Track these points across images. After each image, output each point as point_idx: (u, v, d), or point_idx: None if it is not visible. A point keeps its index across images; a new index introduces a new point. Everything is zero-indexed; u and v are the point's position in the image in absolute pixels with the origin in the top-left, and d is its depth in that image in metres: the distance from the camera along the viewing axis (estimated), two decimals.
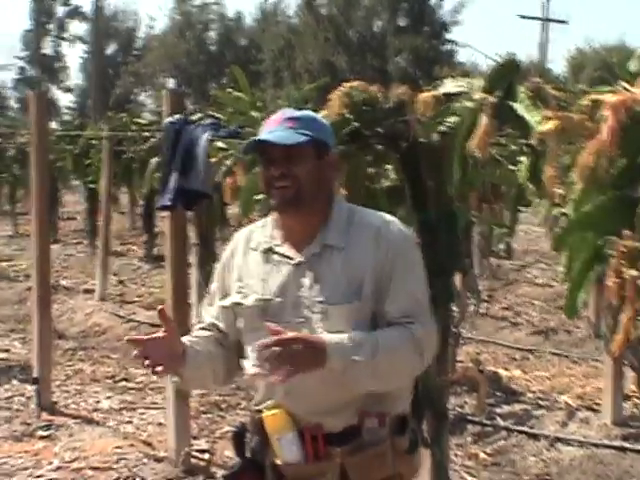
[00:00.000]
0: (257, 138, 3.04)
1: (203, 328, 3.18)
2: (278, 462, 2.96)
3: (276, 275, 3.00)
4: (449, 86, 3.99)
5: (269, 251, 3.05)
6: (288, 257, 3.00)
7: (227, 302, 3.13)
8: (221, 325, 3.15)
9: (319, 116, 3.25)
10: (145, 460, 5.81)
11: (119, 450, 5.93)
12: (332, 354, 2.76)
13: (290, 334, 2.73)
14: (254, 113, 6.74)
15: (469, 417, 6.92)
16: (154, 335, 2.86)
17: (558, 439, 6.53)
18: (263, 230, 3.12)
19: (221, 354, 3.10)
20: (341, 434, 2.90)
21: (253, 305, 3.01)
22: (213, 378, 3.11)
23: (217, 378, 3.13)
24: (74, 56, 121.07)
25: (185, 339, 3.01)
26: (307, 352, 2.74)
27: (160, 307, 2.93)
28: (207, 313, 3.23)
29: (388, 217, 3.09)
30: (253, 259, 3.08)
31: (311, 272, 2.94)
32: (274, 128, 2.99)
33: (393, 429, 2.97)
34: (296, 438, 2.91)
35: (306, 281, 2.94)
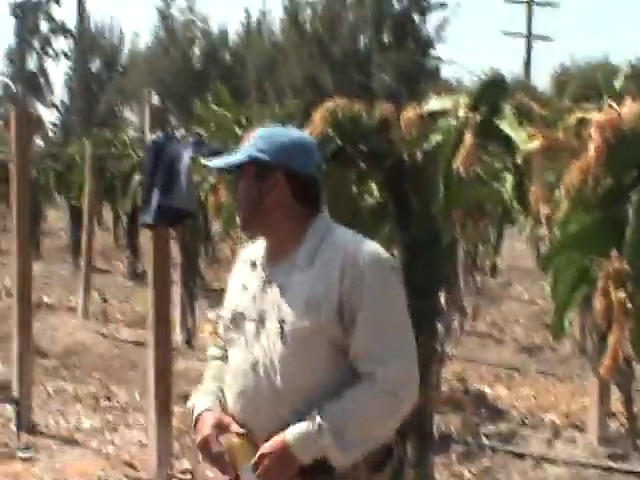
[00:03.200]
0: (204, 162, 3.10)
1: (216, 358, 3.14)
2: None
3: (251, 288, 2.94)
4: (434, 104, 3.96)
5: (253, 265, 2.99)
6: (262, 271, 2.94)
7: (214, 314, 3.12)
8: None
9: (285, 132, 2.99)
10: None
11: (101, 472, 5.84)
12: (298, 452, 2.70)
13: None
14: (237, 130, 6.71)
15: (454, 436, 6.86)
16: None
17: (544, 458, 6.47)
18: (258, 245, 3.04)
19: None
20: (311, 467, 2.72)
21: (227, 317, 2.99)
22: None
23: None
24: (59, 73, 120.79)
25: (209, 401, 2.98)
26: (274, 464, 2.71)
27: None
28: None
29: (362, 239, 2.89)
30: (243, 272, 3.04)
31: (276, 289, 2.86)
32: (243, 146, 2.98)
33: (371, 463, 2.78)
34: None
35: (270, 297, 2.86)
